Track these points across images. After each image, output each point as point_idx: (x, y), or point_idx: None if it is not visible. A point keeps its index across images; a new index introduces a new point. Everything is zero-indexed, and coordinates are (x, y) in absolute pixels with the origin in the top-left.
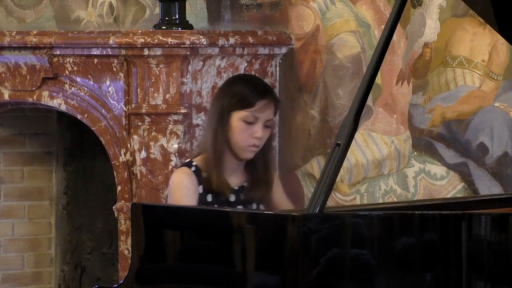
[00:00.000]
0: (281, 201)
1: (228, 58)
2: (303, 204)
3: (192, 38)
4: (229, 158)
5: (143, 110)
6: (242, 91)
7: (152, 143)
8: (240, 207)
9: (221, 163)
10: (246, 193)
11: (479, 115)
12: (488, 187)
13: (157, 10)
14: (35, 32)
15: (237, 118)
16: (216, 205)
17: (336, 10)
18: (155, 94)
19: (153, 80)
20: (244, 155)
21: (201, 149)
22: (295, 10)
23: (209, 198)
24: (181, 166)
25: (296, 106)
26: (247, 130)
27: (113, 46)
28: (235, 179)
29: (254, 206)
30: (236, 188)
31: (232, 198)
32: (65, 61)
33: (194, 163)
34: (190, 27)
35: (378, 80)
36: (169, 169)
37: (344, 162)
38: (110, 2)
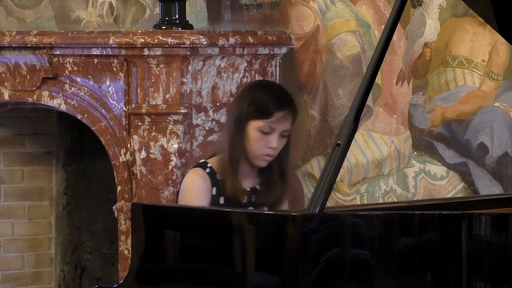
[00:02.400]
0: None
1: (228, 58)
2: (303, 204)
3: (192, 38)
4: (243, 163)
5: (143, 110)
6: (261, 100)
7: (152, 143)
8: (251, 208)
9: (237, 168)
10: (258, 195)
11: (479, 115)
12: (488, 187)
13: (157, 10)
14: (35, 32)
15: (253, 127)
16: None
17: (336, 10)
18: (155, 94)
19: (153, 80)
20: (258, 163)
21: (217, 150)
22: (295, 10)
23: (222, 200)
24: (195, 166)
25: (296, 106)
26: (263, 140)
27: (113, 46)
28: (248, 182)
29: (265, 209)
30: (248, 189)
31: (244, 199)
32: (65, 61)
33: (209, 165)
34: (190, 27)
35: (378, 80)
36: (169, 169)
37: (344, 162)
38: (110, 2)
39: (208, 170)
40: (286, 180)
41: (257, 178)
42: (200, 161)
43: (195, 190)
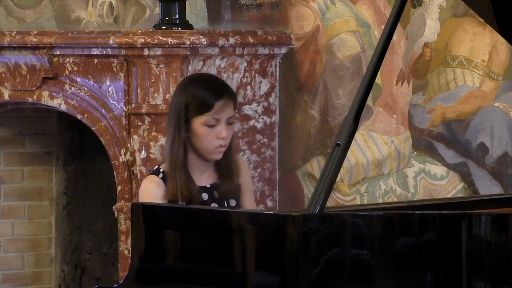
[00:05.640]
0: (247, 187)
1: (228, 58)
2: (303, 204)
3: (192, 38)
4: (197, 160)
5: (143, 110)
6: (198, 95)
7: (152, 143)
8: (214, 204)
9: (179, 168)
10: (219, 189)
11: (479, 115)
12: (488, 187)
13: (157, 10)
14: (35, 32)
15: (198, 123)
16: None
17: (336, 10)
18: (155, 94)
19: (153, 80)
20: (212, 157)
21: (164, 157)
22: (295, 10)
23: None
24: (149, 174)
25: (296, 106)
26: (211, 133)
27: (113, 46)
28: (208, 178)
29: (233, 202)
30: (208, 186)
31: (205, 196)
32: (65, 61)
33: (161, 169)
34: (190, 27)
35: (378, 80)
36: None
37: (344, 162)
38: (110, 2)
39: (161, 175)
40: (232, 163)
41: (216, 173)
42: (154, 167)
43: (149, 198)
